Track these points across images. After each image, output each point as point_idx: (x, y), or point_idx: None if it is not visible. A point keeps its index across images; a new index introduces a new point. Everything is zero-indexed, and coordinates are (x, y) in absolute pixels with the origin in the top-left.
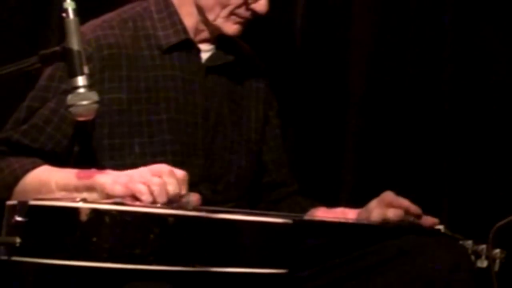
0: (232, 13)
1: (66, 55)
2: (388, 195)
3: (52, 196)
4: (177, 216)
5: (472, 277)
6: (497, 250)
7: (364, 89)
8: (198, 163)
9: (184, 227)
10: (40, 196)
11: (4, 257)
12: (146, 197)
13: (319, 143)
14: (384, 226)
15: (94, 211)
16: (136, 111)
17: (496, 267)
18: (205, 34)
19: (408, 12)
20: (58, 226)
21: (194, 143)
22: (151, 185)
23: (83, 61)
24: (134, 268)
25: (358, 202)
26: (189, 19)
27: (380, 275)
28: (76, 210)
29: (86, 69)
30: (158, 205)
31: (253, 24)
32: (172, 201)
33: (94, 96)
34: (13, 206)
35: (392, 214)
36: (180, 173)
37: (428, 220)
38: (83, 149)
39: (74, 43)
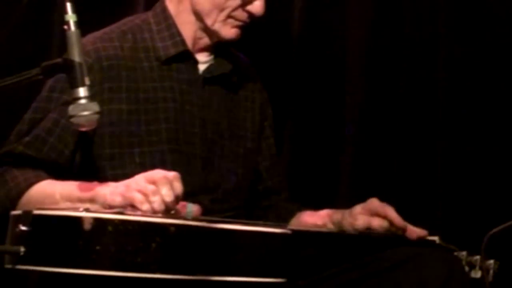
0: (229, 16)
1: (68, 66)
2: (374, 203)
3: (56, 206)
4: (178, 225)
5: None
6: (491, 261)
7: (360, 97)
8: (196, 172)
9: (186, 236)
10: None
11: (9, 266)
12: (143, 205)
13: (315, 150)
14: (374, 236)
15: (97, 220)
16: (136, 121)
17: (490, 277)
18: (203, 42)
19: (403, 15)
20: (61, 234)
21: (192, 153)
22: (147, 194)
23: (84, 72)
24: (137, 277)
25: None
26: (188, 27)
27: (375, 286)
28: (79, 219)
29: (87, 80)
30: (159, 214)
31: (250, 28)
32: (169, 207)
33: (95, 107)
34: (17, 216)
35: (377, 224)
36: (172, 174)
37: (414, 233)
38: (84, 159)
39: (76, 55)
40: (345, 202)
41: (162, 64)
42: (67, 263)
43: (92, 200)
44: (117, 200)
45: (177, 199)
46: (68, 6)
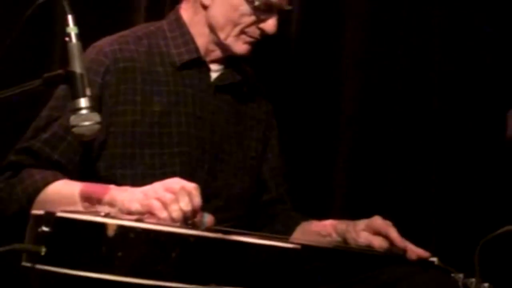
0: (242, 32)
1: (69, 77)
2: (377, 221)
3: (75, 208)
4: (197, 236)
5: None
6: (486, 284)
7: (356, 107)
8: (202, 176)
9: (203, 247)
10: (62, 208)
11: (28, 264)
12: (163, 215)
13: (310, 160)
14: (375, 254)
15: (120, 227)
16: (148, 123)
17: None
18: (215, 55)
19: (399, 24)
20: (84, 239)
21: (200, 156)
22: (165, 202)
23: (85, 83)
24: (155, 285)
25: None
26: (201, 39)
27: None
28: (103, 225)
29: (88, 91)
30: (177, 224)
31: None
32: (186, 216)
33: (96, 117)
34: (40, 216)
35: (378, 244)
36: (191, 185)
37: (414, 254)
38: (97, 157)
39: (77, 66)
40: (339, 212)
41: (176, 70)
42: (87, 267)
43: (110, 204)
44: (135, 207)
45: (195, 209)
46: (70, 18)
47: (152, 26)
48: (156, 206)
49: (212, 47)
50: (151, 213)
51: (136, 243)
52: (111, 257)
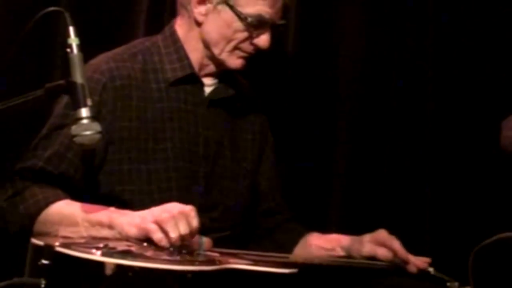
0: (236, 48)
1: (70, 88)
2: (382, 234)
3: (76, 229)
4: (194, 271)
5: None
6: None
7: (352, 116)
8: (198, 189)
9: (201, 282)
10: (62, 228)
11: None
12: (157, 236)
13: (307, 171)
14: (373, 267)
15: (118, 266)
16: (144, 139)
17: None
18: (209, 69)
19: (395, 35)
20: (83, 275)
21: (195, 171)
22: (161, 223)
23: (86, 93)
24: None
25: (346, 227)
26: (195, 54)
27: None
28: (101, 263)
29: (89, 101)
30: (176, 246)
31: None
32: (184, 240)
33: (97, 127)
34: (40, 248)
35: (381, 254)
36: (189, 208)
37: (413, 266)
38: (97, 173)
39: (78, 77)
40: (336, 221)
41: (170, 86)
42: None
43: (110, 227)
44: (133, 231)
45: (193, 233)
46: (71, 30)
47: (147, 41)
48: (153, 228)
49: (206, 61)
50: (148, 238)
51: (134, 281)
52: None
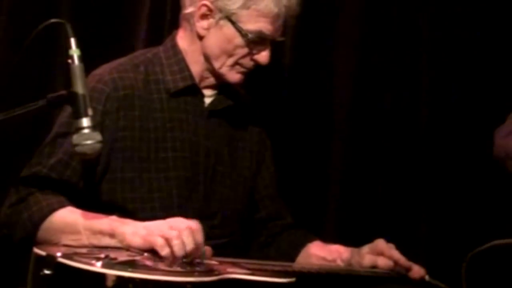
0: (236, 63)
1: (72, 98)
2: (381, 243)
3: (78, 237)
4: (195, 283)
5: None
6: None
7: (347, 127)
8: (198, 198)
9: None
10: (65, 236)
11: None
12: (165, 252)
13: (304, 179)
14: (373, 275)
15: (119, 278)
16: (146, 148)
17: None
18: (209, 81)
19: (390, 47)
20: (85, 285)
21: (196, 179)
22: (169, 238)
23: (87, 104)
24: None
25: (342, 235)
26: (196, 66)
27: None
28: (102, 275)
29: (90, 111)
30: (179, 260)
31: None
32: (188, 254)
33: (98, 136)
34: (41, 258)
35: (382, 263)
36: (194, 224)
37: (416, 273)
38: (99, 181)
39: (79, 87)
40: (332, 225)
41: (171, 96)
42: None
43: (112, 235)
44: (136, 241)
45: (197, 247)
46: (72, 41)
47: (149, 53)
48: (159, 242)
49: (207, 74)
50: (152, 250)
51: None
52: None
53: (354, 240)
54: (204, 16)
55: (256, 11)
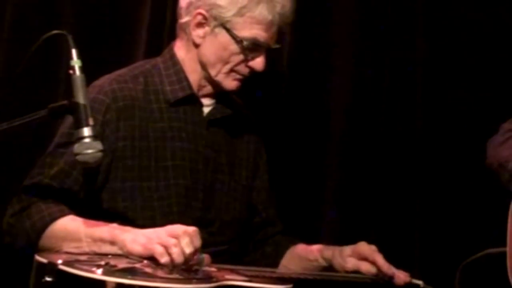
0: (232, 70)
1: (73, 108)
2: (363, 247)
3: (79, 244)
4: None
5: None
6: None
7: (344, 133)
8: (197, 206)
9: None
10: (66, 244)
11: None
12: (164, 259)
13: (300, 183)
14: (357, 280)
15: (119, 285)
16: (146, 157)
17: None
18: (207, 90)
19: (386, 52)
20: None
21: (195, 187)
22: (167, 246)
23: (88, 113)
24: None
25: (337, 241)
26: (193, 75)
27: None
28: (103, 282)
29: (91, 121)
30: (178, 266)
31: None
32: (187, 260)
33: (99, 145)
34: (43, 265)
35: (365, 269)
36: (192, 229)
37: (399, 278)
38: (100, 190)
39: (80, 97)
40: (328, 232)
41: (170, 106)
42: None
43: (112, 243)
44: (136, 249)
45: (196, 252)
46: (74, 52)
47: (148, 64)
48: (159, 251)
49: (204, 83)
50: (152, 257)
51: None
52: None
53: (349, 245)
54: (199, 25)
55: (251, 18)
